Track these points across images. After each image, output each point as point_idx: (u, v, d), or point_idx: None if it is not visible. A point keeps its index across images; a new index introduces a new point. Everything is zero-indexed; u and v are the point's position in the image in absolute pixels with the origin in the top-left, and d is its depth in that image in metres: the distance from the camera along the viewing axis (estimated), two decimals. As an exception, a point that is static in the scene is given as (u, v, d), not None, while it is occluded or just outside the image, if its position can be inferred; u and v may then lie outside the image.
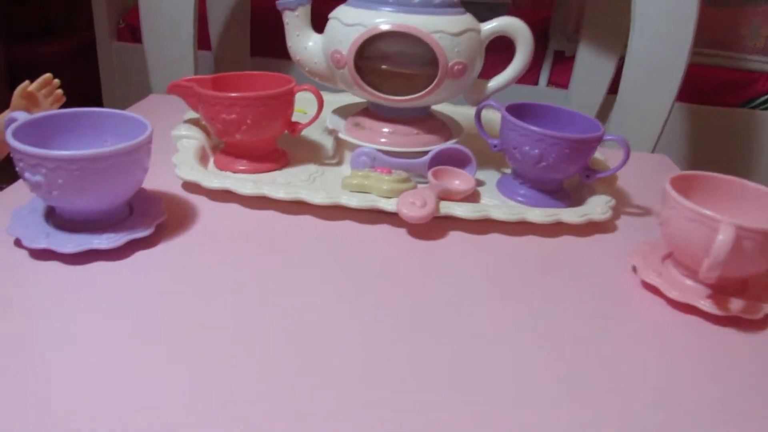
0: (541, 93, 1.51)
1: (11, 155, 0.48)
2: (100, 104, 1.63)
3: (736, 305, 0.50)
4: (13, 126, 0.50)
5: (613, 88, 1.39)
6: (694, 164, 1.53)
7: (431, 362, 0.42)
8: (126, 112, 0.55)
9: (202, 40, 1.35)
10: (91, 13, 2.31)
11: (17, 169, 0.49)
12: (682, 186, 0.54)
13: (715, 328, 0.50)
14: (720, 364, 0.46)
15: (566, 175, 0.65)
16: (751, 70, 1.49)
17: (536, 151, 0.62)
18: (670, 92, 1.16)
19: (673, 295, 0.51)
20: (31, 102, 0.60)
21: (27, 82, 0.59)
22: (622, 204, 0.70)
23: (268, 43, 1.51)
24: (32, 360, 0.39)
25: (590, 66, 1.45)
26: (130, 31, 1.52)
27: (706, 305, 0.50)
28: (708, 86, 1.48)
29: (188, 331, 0.43)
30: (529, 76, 1.51)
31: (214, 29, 1.46)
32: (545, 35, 1.52)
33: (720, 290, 0.52)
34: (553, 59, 1.51)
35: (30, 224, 0.51)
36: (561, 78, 1.51)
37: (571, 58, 1.48)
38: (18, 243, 0.50)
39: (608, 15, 1.41)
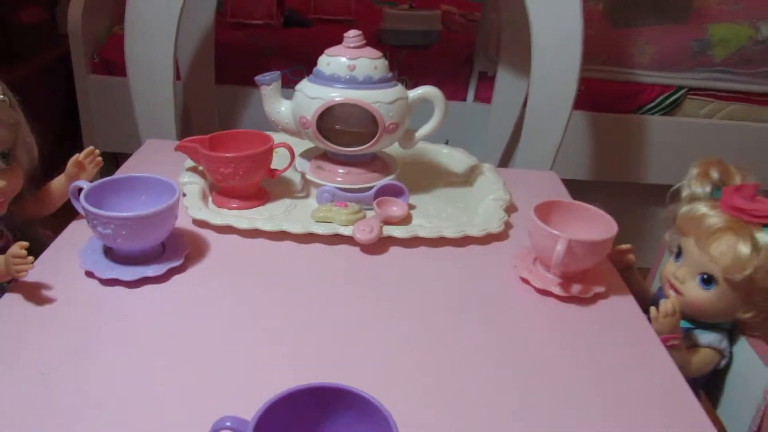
0: (468, 108, 1.78)
1: (86, 216, 0.70)
2: (76, 127, 1.78)
3: (576, 289, 0.77)
4: (84, 192, 0.71)
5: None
6: (596, 162, 1.83)
7: (377, 341, 0.68)
8: (157, 176, 0.78)
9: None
10: (48, 38, 2.42)
11: (89, 225, 0.71)
12: (545, 209, 0.80)
13: (564, 305, 0.77)
14: (566, 328, 0.72)
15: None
16: (639, 82, 1.79)
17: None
18: (567, 102, 1.41)
19: (537, 284, 0.78)
20: (80, 168, 0.81)
21: (78, 154, 0.80)
22: (516, 215, 0.96)
23: (231, 72, 1.71)
24: (113, 356, 0.62)
25: (508, 84, 1.72)
26: (105, 65, 1.70)
27: (557, 290, 0.77)
28: (605, 97, 1.78)
29: (215, 330, 0.67)
30: (458, 94, 1.77)
31: (183, 61, 1.65)
32: (471, 58, 1.78)
33: (567, 279, 0.78)
34: (478, 78, 1.77)
35: (95, 261, 0.73)
36: (485, 95, 1.77)
37: (493, 77, 1.74)
38: (89, 274, 0.72)
39: (521, 40, 1.67)
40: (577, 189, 1.09)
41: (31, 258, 0.64)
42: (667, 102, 1.79)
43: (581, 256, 0.75)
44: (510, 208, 0.96)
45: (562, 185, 1.09)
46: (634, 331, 0.73)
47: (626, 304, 0.78)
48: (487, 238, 0.88)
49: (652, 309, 0.76)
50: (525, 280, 0.80)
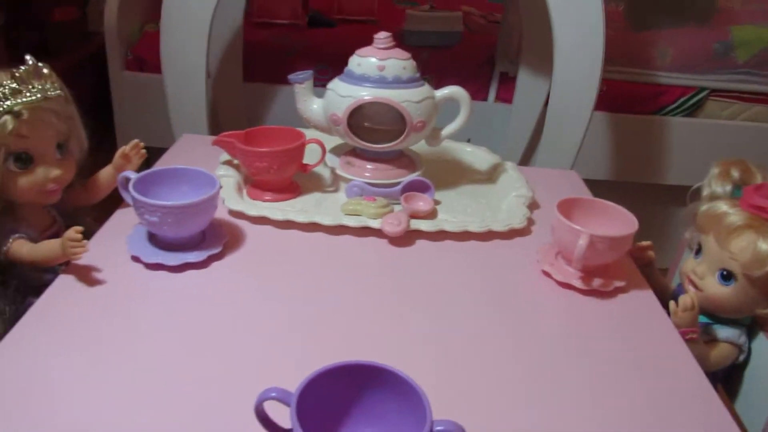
0: (490, 108, 1.81)
1: (134, 204, 0.75)
2: (105, 121, 1.83)
3: (596, 282, 0.80)
4: (132, 182, 0.76)
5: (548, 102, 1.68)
6: (617, 162, 1.85)
7: (404, 329, 0.71)
8: (198, 168, 0.82)
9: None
10: (80, 35, 2.49)
11: (137, 213, 0.75)
12: (567, 206, 0.83)
13: (585, 298, 0.80)
14: (587, 321, 0.75)
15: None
16: (661, 83, 1.81)
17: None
18: (588, 103, 1.43)
19: (558, 277, 0.81)
20: (126, 160, 0.86)
21: (124, 147, 0.85)
22: (539, 212, 0.99)
23: (258, 70, 1.76)
24: (158, 334, 0.66)
25: (529, 84, 1.74)
26: (137, 62, 1.75)
27: (578, 283, 0.80)
28: (626, 98, 1.80)
29: (252, 313, 0.71)
30: (479, 94, 1.80)
31: (212, 59, 1.70)
32: (492, 59, 1.81)
33: (588, 273, 0.81)
34: (499, 79, 1.80)
35: (141, 247, 0.78)
36: (506, 95, 1.80)
37: (514, 78, 1.77)
38: (135, 259, 0.77)
39: (542, 41, 1.69)
40: (598, 189, 1.12)
41: (85, 241, 0.68)
42: (689, 103, 1.81)
43: (602, 251, 0.77)
44: (532, 205, 0.99)
45: (583, 184, 1.12)
46: (653, 325, 0.76)
47: (646, 298, 0.81)
48: (511, 234, 0.91)
49: (672, 303, 0.79)
50: (547, 274, 0.83)
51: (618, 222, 0.83)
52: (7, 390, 0.57)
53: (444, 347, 0.68)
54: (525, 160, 1.84)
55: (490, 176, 1.08)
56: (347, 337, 0.69)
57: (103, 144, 0.87)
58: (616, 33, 1.74)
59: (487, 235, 0.90)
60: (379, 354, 0.66)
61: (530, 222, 0.95)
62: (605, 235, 0.77)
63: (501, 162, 1.09)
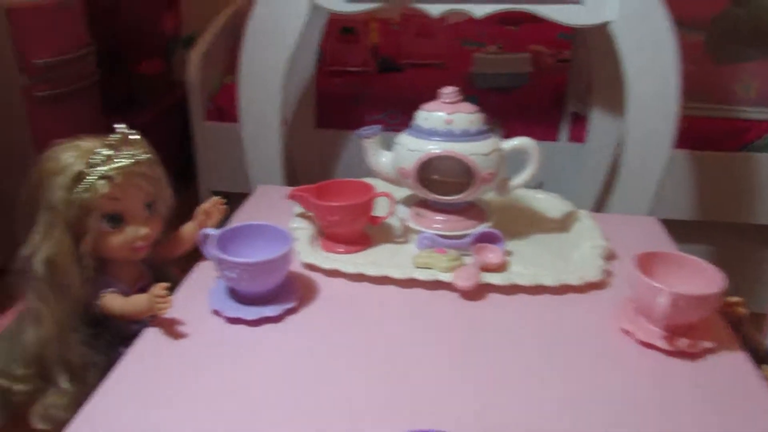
0: (561, 148, 1.78)
1: (216, 262, 0.78)
2: (190, 166, 1.94)
3: (682, 343, 0.76)
4: (214, 239, 0.80)
5: (623, 142, 1.64)
6: (700, 201, 1.76)
7: (478, 377, 0.70)
8: (272, 225, 0.85)
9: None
10: (165, 86, 2.66)
11: (217, 268, 0.79)
12: (646, 260, 0.80)
13: (669, 359, 0.76)
14: (672, 385, 0.72)
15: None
16: (746, 119, 1.72)
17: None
18: (665, 142, 1.38)
19: (639, 336, 0.78)
20: (207, 216, 0.91)
21: (205, 203, 0.90)
22: (616, 262, 0.96)
23: (330, 117, 1.81)
24: (238, 386, 0.68)
25: (602, 123, 1.70)
26: (218, 112, 1.85)
27: (661, 343, 0.76)
28: (707, 135, 1.72)
29: (326, 368, 0.72)
30: (549, 134, 1.78)
31: (287, 107, 1.77)
32: (562, 98, 1.79)
33: (672, 332, 0.77)
34: (571, 118, 1.77)
35: (222, 300, 0.81)
36: (578, 135, 1.77)
37: (585, 117, 1.73)
38: (216, 312, 0.80)
39: (613, 80, 1.66)
40: (680, 229, 1.07)
41: (170, 297, 0.72)
42: (777, 139, 1.71)
43: (686, 310, 0.74)
44: (609, 256, 0.96)
45: (665, 232, 1.07)
46: (746, 392, 0.71)
47: (738, 361, 0.75)
48: (586, 287, 0.89)
49: (765, 368, 0.74)
50: (627, 332, 0.79)
51: (703, 277, 0.78)
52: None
53: (518, 410, 0.67)
54: (600, 200, 1.79)
55: (563, 225, 1.06)
56: (417, 395, 0.68)
57: (188, 190, 0.92)
58: (695, 67, 1.68)
59: (561, 289, 0.88)
60: (452, 414, 0.66)
61: (607, 274, 0.92)
62: (689, 293, 0.73)
63: (574, 210, 1.07)
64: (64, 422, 0.62)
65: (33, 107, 1.73)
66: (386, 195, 0.96)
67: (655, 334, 0.77)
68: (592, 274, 0.89)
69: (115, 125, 0.78)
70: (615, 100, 1.67)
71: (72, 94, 1.83)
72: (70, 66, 1.83)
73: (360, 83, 1.91)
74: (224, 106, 1.83)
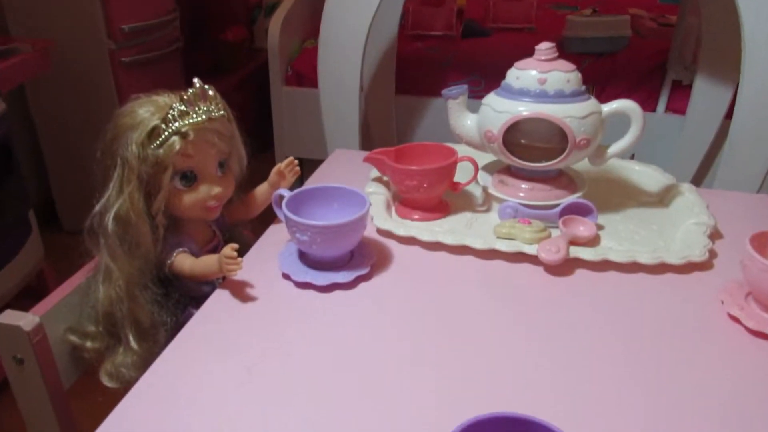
0: (659, 119, 1.64)
1: (286, 222, 0.76)
2: (269, 132, 1.95)
3: (802, 334, 0.67)
4: (286, 200, 0.77)
5: (730, 114, 1.48)
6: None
7: (562, 361, 0.64)
8: (347, 187, 0.81)
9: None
10: (247, 53, 2.69)
11: (288, 231, 0.76)
12: (762, 239, 0.71)
13: (785, 351, 0.67)
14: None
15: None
16: None
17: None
18: None
19: (749, 324, 0.69)
20: (281, 177, 0.88)
21: (279, 164, 0.87)
22: (721, 242, 0.86)
23: (409, 83, 1.76)
24: (306, 353, 0.66)
25: (707, 94, 1.55)
26: (296, 77, 1.84)
27: (777, 334, 0.67)
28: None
29: (396, 338, 0.68)
30: (647, 105, 1.64)
31: (366, 72, 1.73)
32: (663, 66, 1.64)
33: (790, 322, 0.68)
34: (671, 87, 1.62)
35: (292, 264, 0.79)
36: (678, 105, 1.62)
37: (688, 86, 1.59)
38: (286, 276, 0.78)
39: (725, 45, 1.50)
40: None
41: (240, 259, 0.70)
42: None
43: (812, 297, 0.64)
44: (714, 235, 0.86)
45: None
46: None
47: None
48: (688, 267, 0.80)
49: None
50: (734, 318, 0.71)
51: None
52: (170, 392, 0.60)
53: (602, 402, 0.60)
54: (698, 179, 1.65)
55: (662, 199, 0.96)
56: (493, 373, 0.63)
57: (263, 155, 0.90)
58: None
59: (660, 268, 0.79)
60: (528, 397, 0.60)
61: (712, 254, 0.82)
62: (817, 279, 0.64)
63: (675, 183, 0.97)
64: (132, 381, 0.61)
65: (119, 72, 1.78)
66: (469, 159, 0.90)
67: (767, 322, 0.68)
68: (697, 254, 0.79)
69: (194, 79, 0.76)
70: (726, 68, 1.52)
71: (157, 59, 1.87)
72: (155, 32, 1.87)
73: (443, 48, 1.84)
74: (303, 71, 1.81)
